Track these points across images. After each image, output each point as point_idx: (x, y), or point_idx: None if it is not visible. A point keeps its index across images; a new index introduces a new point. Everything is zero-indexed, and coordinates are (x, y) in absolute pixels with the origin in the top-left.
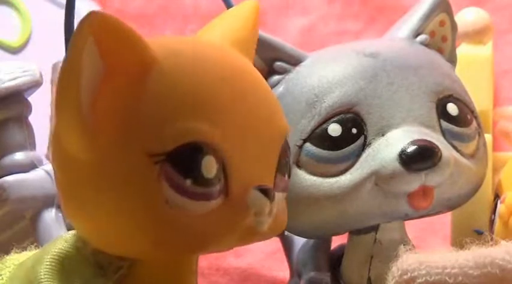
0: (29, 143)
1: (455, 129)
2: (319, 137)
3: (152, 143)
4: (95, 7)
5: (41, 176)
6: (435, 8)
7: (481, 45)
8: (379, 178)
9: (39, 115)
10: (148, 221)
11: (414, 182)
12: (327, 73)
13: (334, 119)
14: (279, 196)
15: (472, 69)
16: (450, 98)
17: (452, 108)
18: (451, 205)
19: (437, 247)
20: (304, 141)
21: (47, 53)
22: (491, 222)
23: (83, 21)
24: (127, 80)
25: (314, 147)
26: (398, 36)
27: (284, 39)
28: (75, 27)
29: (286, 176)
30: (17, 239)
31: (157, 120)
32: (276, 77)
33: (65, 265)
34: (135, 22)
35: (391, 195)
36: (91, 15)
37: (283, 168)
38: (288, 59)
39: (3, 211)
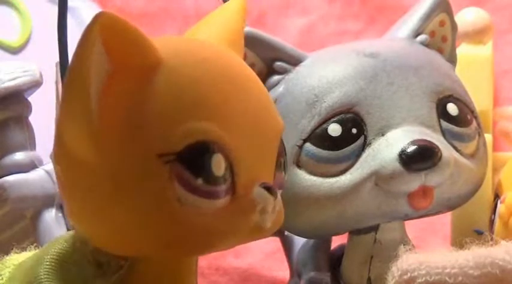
0: (29, 143)
1: (455, 129)
2: (319, 137)
3: (162, 143)
4: (95, 7)
5: (41, 176)
6: (435, 8)
7: (481, 45)
8: (379, 178)
9: (39, 115)
10: (161, 221)
11: (414, 182)
12: (327, 73)
13: (334, 119)
14: (278, 192)
15: (472, 69)
16: (450, 98)
17: (452, 108)
18: (451, 205)
19: (437, 247)
20: (304, 141)
21: (47, 53)
22: (491, 222)
23: (92, 22)
24: (133, 81)
25: (314, 147)
26: (398, 36)
27: (284, 39)
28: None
29: (283, 173)
30: (17, 239)
31: (166, 120)
32: (276, 77)
33: (65, 265)
34: (135, 22)
35: (391, 195)
36: (100, 15)
37: (280, 165)
38: (288, 59)
39: (3, 211)
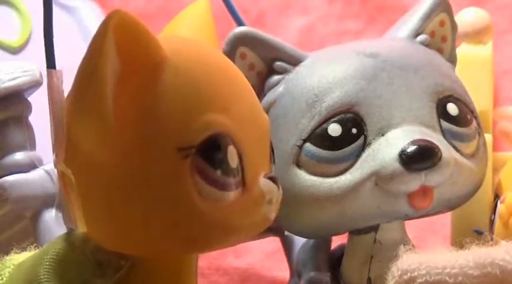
0: (29, 143)
1: (455, 129)
2: (319, 137)
3: (181, 137)
4: (95, 7)
5: (41, 176)
6: (435, 8)
7: (481, 45)
8: (379, 178)
9: (39, 115)
10: (183, 215)
11: (414, 182)
12: (327, 73)
13: (334, 119)
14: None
15: (472, 69)
16: (450, 98)
17: (452, 108)
18: (451, 205)
19: (437, 247)
20: (304, 141)
21: None
22: (491, 222)
23: (106, 21)
24: (143, 79)
25: (314, 147)
26: (399, 36)
27: (284, 39)
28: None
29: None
30: (17, 239)
31: (182, 114)
32: (276, 77)
33: (65, 265)
34: None
35: (391, 195)
36: (114, 15)
37: (272, 157)
38: (288, 59)
39: (3, 210)
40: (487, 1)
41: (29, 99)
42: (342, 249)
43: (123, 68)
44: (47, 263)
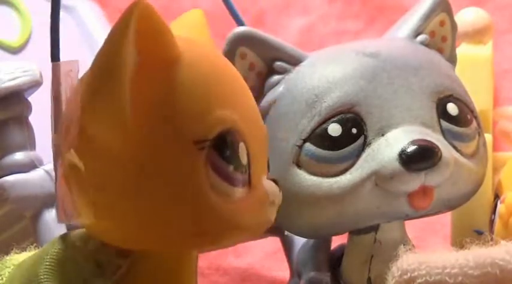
0: (29, 143)
1: (455, 129)
2: (319, 137)
3: (197, 130)
4: (95, 7)
5: (41, 176)
6: (435, 8)
7: (481, 45)
8: (379, 178)
9: (39, 115)
10: (195, 208)
11: (414, 182)
12: (327, 73)
13: (334, 119)
14: None
15: (472, 69)
16: (450, 98)
17: (452, 108)
18: (451, 205)
19: (437, 247)
20: (304, 141)
21: (47, 53)
22: (491, 222)
23: (129, 12)
24: (159, 72)
25: (314, 147)
26: (399, 36)
27: (284, 39)
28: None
29: None
30: (17, 239)
31: (199, 107)
32: (276, 77)
33: (65, 265)
34: None
35: (391, 195)
36: (137, 4)
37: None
38: (288, 59)
39: (3, 211)
40: (487, 1)
41: (29, 99)
42: (342, 249)
43: (141, 59)
44: (47, 263)
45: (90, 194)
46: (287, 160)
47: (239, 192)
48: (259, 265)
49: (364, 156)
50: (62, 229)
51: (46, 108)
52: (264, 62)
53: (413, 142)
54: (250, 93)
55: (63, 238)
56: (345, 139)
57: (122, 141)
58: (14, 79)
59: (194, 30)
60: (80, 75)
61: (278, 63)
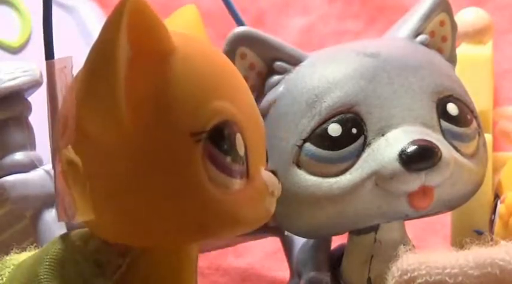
0: (29, 143)
1: (455, 129)
2: (319, 137)
3: (193, 122)
4: (95, 7)
5: (41, 176)
6: (435, 8)
7: (481, 45)
8: (379, 178)
9: (39, 115)
10: (195, 200)
11: (414, 182)
12: (327, 73)
13: (334, 119)
14: None
15: (472, 69)
16: (450, 98)
17: (452, 108)
18: (451, 205)
19: (437, 247)
20: (304, 141)
21: None
22: (491, 222)
23: (121, 5)
24: (153, 65)
25: (314, 147)
26: (399, 36)
27: (284, 39)
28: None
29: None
30: (17, 239)
31: (194, 99)
32: (276, 77)
33: (65, 265)
34: None
35: (391, 195)
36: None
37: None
38: (288, 59)
39: (3, 210)
40: (487, 1)
41: (29, 99)
42: (342, 249)
43: (134, 53)
44: (47, 263)
45: (88, 190)
46: (287, 160)
47: (237, 183)
48: (259, 265)
49: (364, 156)
50: (62, 229)
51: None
52: (264, 61)
53: (413, 142)
54: (247, 87)
55: (63, 238)
56: (345, 139)
57: (117, 136)
58: (14, 79)
59: (189, 26)
60: (76, 71)
61: (278, 63)
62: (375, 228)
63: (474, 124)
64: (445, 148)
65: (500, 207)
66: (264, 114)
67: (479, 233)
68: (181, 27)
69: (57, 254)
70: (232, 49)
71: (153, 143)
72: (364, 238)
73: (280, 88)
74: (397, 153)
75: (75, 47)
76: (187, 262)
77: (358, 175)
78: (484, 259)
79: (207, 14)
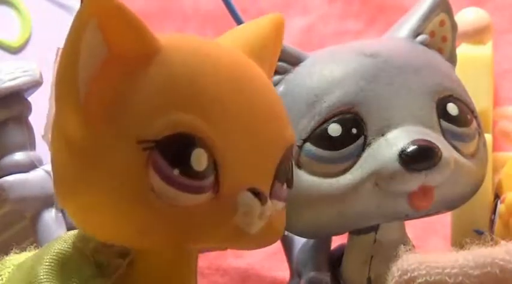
0: (29, 143)
1: (455, 129)
2: (319, 137)
3: (143, 130)
4: None
5: (41, 176)
6: (435, 8)
7: (481, 45)
8: (379, 178)
9: (39, 115)
10: (134, 207)
11: (414, 182)
12: (327, 73)
13: (334, 119)
14: (276, 203)
15: (472, 69)
16: (450, 98)
17: (452, 108)
18: (451, 205)
19: (437, 247)
20: (304, 141)
21: (47, 53)
22: (491, 222)
23: (84, 4)
24: (128, 67)
25: (314, 147)
26: (399, 36)
27: (284, 39)
28: None
29: (285, 185)
30: (17, 239)
31: (151, 107)
32: (276, 77)
33: (65, 265)
34: None
35: (391, 195)
36: None
37: (282, 176)
38: (288, 59)
39: (3, 211)
40: (487, 1)
41: (29, 99)
42: (342, 249)
43: (111, 53)
44: (47, 263)
45: (57, 183)
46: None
47: (188, 197)
48: (259, 265)
49: (364, 156)
50: (62, 229)
51: (46, 108)
52: None
53: (413, 142)
54: (262, 103)
55: (63, 238)
56: (345, 139)
57: (74, 128)
58: (14, 79)
59: (262, 33)
60: None
61: (278, 63)
62: (375, 228)
63: (474, 124)
64: (445, 148)
65: (500, 207)
66: None
67: (479, 233)
68: (253, 34)
69: (57, 254)
70: None
71: (104, 144)
72: (364, 238)
73: (280, 88)
74: (397, 152)
75: None
76: (187, 263)
77: (358, 175)
78: (484, 259)
79: (207, 14)
